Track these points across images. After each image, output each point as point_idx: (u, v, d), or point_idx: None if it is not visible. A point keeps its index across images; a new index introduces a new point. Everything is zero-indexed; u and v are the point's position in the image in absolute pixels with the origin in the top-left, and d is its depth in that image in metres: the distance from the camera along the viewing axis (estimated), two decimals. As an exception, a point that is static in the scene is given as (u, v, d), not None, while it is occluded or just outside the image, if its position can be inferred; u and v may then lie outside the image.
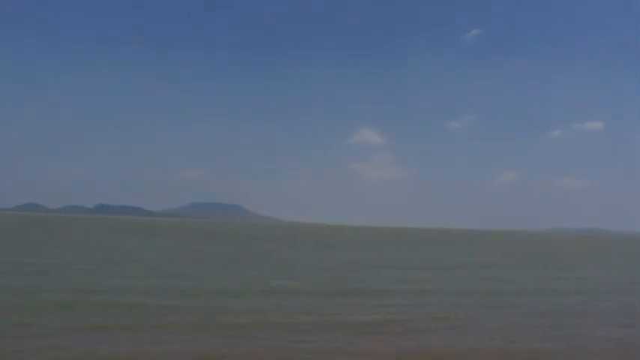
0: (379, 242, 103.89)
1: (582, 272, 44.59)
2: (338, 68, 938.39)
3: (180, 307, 20.22)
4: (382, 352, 14.95)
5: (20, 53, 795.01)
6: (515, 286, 31.37)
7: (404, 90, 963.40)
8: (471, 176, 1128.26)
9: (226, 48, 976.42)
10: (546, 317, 20.94)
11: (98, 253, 47.27)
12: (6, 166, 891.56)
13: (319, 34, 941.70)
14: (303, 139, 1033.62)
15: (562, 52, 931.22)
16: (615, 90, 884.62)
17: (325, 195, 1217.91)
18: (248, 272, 34.59)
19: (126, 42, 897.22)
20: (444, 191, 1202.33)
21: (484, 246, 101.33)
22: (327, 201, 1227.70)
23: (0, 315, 18.02)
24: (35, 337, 15.34)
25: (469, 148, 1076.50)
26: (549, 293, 28.32)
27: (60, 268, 32.82)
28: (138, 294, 23.10)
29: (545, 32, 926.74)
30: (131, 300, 21.32)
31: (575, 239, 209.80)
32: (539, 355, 15.50)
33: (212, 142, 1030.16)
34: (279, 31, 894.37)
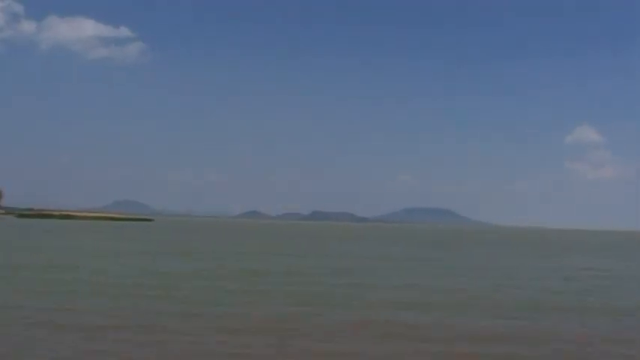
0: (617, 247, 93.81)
1: None
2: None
3: None
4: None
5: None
6: None
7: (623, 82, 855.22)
8: None
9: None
10: None
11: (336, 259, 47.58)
12: (236, 179, 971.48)
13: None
14: (518, 141, 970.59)
15: None
16: None
17: (541, 197, 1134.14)
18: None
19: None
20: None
21: None
22: (544, 203, 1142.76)
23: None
24: None
25: None
26: None
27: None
28: None
29: None
30: None
31: None
32: None
33: (422, 147, 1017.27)
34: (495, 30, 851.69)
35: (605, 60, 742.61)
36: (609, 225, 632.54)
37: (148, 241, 74.24)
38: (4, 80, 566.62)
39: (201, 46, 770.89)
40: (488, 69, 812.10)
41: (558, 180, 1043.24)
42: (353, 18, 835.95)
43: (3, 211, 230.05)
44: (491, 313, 21.29)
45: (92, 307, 20.65)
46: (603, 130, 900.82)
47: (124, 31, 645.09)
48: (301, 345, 15.33)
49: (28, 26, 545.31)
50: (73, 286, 26.12)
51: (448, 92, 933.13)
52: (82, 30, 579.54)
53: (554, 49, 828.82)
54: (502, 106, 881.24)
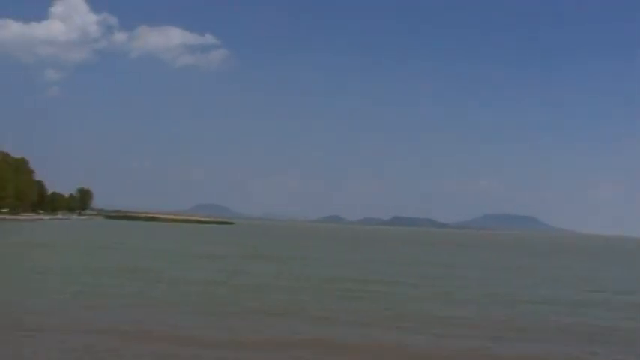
0: None
1: None
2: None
3: None
4: None
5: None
6: None
7: None
8: None
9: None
10: None
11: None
12: (315, 183, 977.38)
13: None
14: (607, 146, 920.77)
15: None
16: None
17: (626, 203, 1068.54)
18: None
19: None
20: None
21: None
22: (629, 210, 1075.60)
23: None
24: None
25: None
26: None
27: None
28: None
29: None
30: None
31: None
32: None
33: (503, 152, 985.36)
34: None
35: None
36: None
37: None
38: (98, 88, 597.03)
39: (283, 52, 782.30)
40: (572, 70, 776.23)
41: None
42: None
43: (93, 213, 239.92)
44: None
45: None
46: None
47: (209, 39, 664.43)
48: None
49: (120, 37, 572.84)
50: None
51: (532, 96, 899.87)
52: (169, 38, 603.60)
53: None
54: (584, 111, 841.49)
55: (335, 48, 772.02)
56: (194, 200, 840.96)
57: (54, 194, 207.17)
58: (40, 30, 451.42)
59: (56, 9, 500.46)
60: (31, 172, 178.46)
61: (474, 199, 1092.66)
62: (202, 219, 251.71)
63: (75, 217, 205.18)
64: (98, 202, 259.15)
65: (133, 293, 24.72)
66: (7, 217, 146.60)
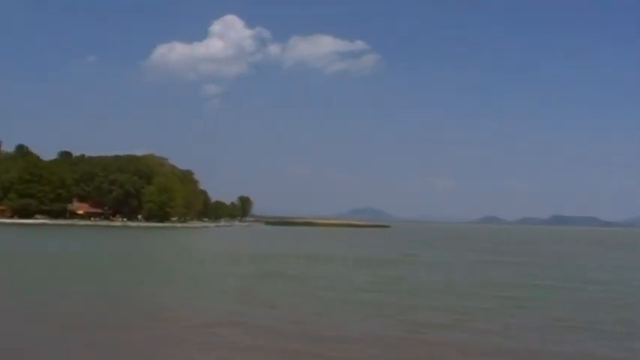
0: None
1: None
2: None
3: None
4: None
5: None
6: None
7: None
8: None
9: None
10: None
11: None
12: (468, 184, 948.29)
13: None
14: None
15: None
16: None
17: None
18: None
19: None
20: None
21: None
22: None
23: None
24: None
25: None
26: None
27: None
28: None
29: None
30: None
31: None
32: None
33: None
34: None
35: None
36: None
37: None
38: (254, 98, 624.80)
39: (435, 56, 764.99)
40: None
41: None
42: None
43: (253, 219, 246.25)
44: None
45: None
46: None
47: (360, 45, 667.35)
48: None
49: (274, 48, 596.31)
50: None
51: None
52: (321, 47, 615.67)
53: None
54: None
55: (493, 49, 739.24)
56: (349, 204, 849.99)
57: (217, 202, 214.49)
58: (200, 48, 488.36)
59: (214, 27, 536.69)
60: (196, 182, 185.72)
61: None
62: (358, 223, 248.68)
63: (237, 223, 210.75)
64: (260, 208, 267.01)
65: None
66: (177, 224, 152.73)
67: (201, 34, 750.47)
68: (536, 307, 24.18)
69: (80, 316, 19.95)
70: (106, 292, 26.11)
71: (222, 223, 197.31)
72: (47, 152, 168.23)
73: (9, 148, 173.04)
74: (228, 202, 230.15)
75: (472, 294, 27.37)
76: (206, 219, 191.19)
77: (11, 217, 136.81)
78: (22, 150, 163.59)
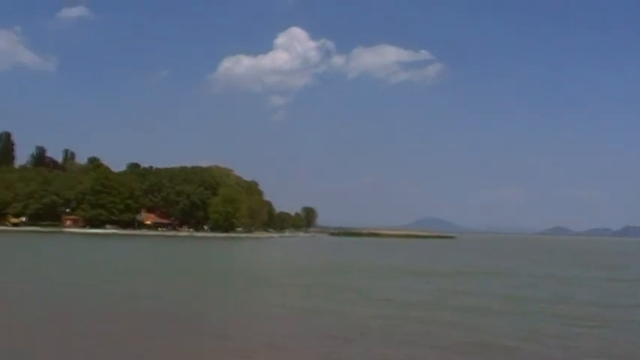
0: None
1: None
2: None
3: None
4: None
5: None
6: None
7: None
8: None
9: None
10: None
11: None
12: (534, 194, 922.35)
13: None
14: None
15: None
16: None
17: None
18: None
19: None
20: None
21: None
22: None
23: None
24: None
25: None
26: None
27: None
28: None
29: None
30: None
31: None
32: None
33: None
34: None
35: None
36: None
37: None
38: (318, 110, 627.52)
39: (500, 63, 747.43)
40: None
41: None
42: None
43: (317, 230, 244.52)
44: None
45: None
46: None
47: (424, 54, 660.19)
48: None
49: (338, 60, 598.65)
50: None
51: None
52: (384, 57, 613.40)
53: None
54: None
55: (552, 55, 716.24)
56: (415, 215, 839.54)
57: (281, 213, 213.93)
58: (266, 61, 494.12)
59: (279, 40, 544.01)
60: (260, 193, 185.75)
61: None
62: (424, 234, 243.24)
63: (302, 234, 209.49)
64: (325, 219, 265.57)
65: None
66: (242, 234, 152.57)
67: (267, 47, 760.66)
68: None
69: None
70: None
71: (287, 233, 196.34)
72: (117, 164, 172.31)
73: (82, 160, 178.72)
74: (292, 213, 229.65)
75: None
76: (271, 229, 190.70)
77: (83, 226, 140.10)
78: (93, 162, 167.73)
